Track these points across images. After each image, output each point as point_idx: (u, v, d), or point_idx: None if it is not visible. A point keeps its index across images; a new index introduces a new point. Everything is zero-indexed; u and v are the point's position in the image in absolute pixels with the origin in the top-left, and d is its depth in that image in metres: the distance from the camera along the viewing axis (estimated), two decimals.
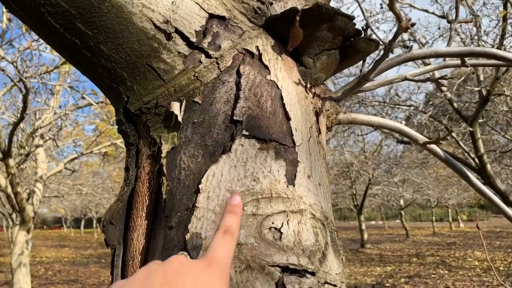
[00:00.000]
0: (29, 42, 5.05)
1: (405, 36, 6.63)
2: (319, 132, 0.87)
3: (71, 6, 0.72)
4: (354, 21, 0.85)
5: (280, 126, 0.77)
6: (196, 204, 0.68)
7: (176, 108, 0.77)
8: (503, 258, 11.57)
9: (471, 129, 6.15)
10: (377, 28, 7.01)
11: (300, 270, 0.65)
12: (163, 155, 0.76)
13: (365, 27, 0.95)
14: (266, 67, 0.81)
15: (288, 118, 0.78)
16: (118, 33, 0.74)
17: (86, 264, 14.14)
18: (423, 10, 6.67)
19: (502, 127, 9.11)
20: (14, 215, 7.20)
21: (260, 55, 0.82)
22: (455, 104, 6.78)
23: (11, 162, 5.67)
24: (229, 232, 0.55)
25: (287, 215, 0.68)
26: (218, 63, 0.79)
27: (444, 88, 6.62)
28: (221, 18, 0.82)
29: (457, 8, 1.06)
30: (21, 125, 7.09)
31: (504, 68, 5.48)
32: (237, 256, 0.63)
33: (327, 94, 0.94)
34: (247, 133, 0.74)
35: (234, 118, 0.75)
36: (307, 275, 0.65)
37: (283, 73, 0.83)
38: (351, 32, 0.87)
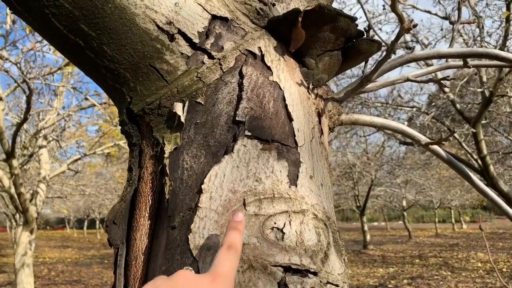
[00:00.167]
0: (32, 43, 5.07)
1: (408, 37, 6.62)
2: (321, 133, 0.87)
3: (74, 8, 0.72)
4: (356, 22, 0.85)
5: (282, 126, 0.77)
6: (199, 204, 0.69)
7: (179, 108, 0.77)
8: (506, 260, 11.52)
9: (474, 131, 6.14)
10: (380, 29, 7.00)
11: (302, 270, 0.65)
12: (166, 155, 0.76)
13: (367, 28, 0.95)
14: (269, 68, 0.82)
15: (290, 119, 0.79)
16: (121, 34, 0.75)
17: (89, 265, 14.16)
18: (425, 11, 6.66)
19: (505, 129, 9.08)
20: (17, 216, 7.22)
21: (262, 56, 0.82)
22: (458, 105, 6.76)
23: (15, 162, 5.69)
24: (233, 248, 0.57)
25: (289, 215, 0.69)
26: (220, 64, 0.79)
27: (446, 89, 6.61)
28: (224, 19, 0.82)
29: (459, 9, 1.07)
30: (25, 126, 7.11)
31: (507, 69, 5.47)
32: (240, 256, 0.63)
33: (330, 95, 0.94)
34: (249, 133, 0.74)
35: (237, 118, 0.75)
36: (309, 275, 0.65)
37: (286, 74, 0.83)
38: (353, 33, 0.87)
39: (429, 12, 6.65)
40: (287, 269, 0.64)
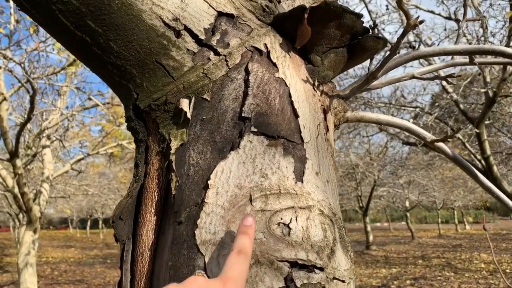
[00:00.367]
0: (36, 43, 5.09)
1: (411, 37, 6.61)
2: (327, 129, 0.87)
3: (81, 4, 0.73)
4: (362, 19, 0.85)
5: (288, 123, 0.77)
6: (205, 200, 0.69)
7: (185, 105, 0.77)
8: (509, 261, 11.48)
9: (478, 131, 6.12)
10: (383, 29, 6.98)
11: (308, 266, 0.65)
12: (172, 151, 0.76)
13: (372, 25, 0.95)
14: (274, 64, 0.82)
15: (296, 115, 0.79)
16: (128, 31, 0.75)
17: (92, 265, 14.19)
18: (429, 11, 6.65)
19: (508, 129, 9.06)
20: (21, 215, 7.25)
21: (268, 52, 0.82)
22: (461, 106, 6.75)
23: (18, 162, 5.71)
24: (243, 252, 0.57)
25: (296, 211, 0.69)
26: (226, 61, 0.79)
27: (450, 90, 6.59)
28: (230, 16, 0.82)
29: (465, 6, 1.06)
30: (28, 125, 7.14)
31: (511, 70, 5.45)
32: None
33: (335, 92, 0.94)
34: (255, 129, 0.74)
35: (243, 115, 0.75)
36: (316, 270, 0.65)
37: (291, 70, 0.83)
38: (359, 30, 0.87)
39: (432, 12, 6.64)
40: (294, 264, 0.64)
